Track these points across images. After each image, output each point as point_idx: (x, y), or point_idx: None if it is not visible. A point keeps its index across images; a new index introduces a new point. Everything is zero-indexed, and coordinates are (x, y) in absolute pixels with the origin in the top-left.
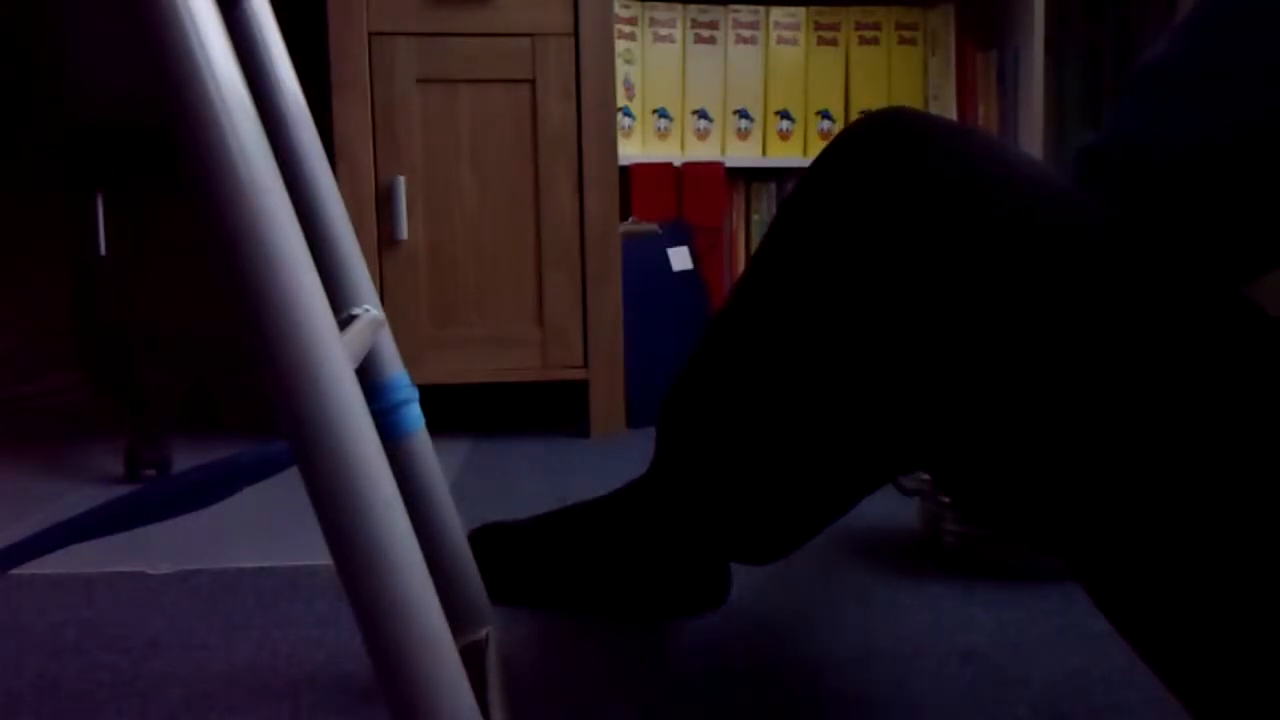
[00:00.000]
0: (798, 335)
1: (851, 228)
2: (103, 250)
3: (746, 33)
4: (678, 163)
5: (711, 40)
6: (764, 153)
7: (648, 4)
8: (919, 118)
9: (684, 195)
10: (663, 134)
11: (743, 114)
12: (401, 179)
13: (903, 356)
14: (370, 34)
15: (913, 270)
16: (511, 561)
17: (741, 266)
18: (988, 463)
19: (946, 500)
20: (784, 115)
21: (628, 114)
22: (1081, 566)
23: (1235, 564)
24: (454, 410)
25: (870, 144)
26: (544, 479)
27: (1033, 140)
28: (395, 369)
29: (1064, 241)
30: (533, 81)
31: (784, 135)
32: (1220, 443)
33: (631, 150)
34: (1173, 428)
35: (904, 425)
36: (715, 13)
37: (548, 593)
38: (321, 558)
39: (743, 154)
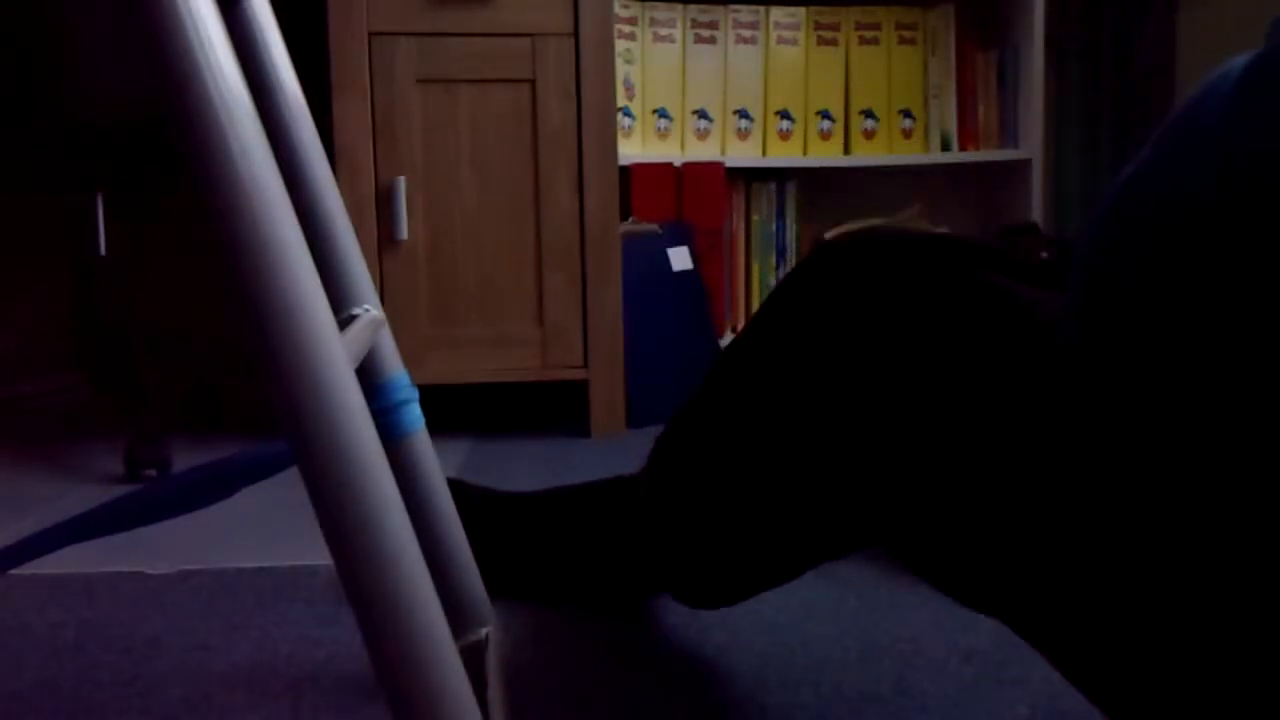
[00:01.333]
0: (771, 426)
1: (825, 338)
2: (103, 250)
3: (746, 33)
4: (678, 163)
5: (711, 40)
6: (764, 153)
7: (648, 4)
8: (888, 250)
9: (684, 195)
10: (663, 134)
11: (743, 114)
12: (401, 179)
13: (859, 453)
14: (370, 34)
15: (873, 382)
16: (493, 541)
17: (741, 266)
18: (933, 540)
19: None
20: (784, 115)
21: (628, 114)
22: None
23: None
24: (454, 410)
25: (844, 268)
26: (544, 479)
27: (1033, 140)
28: (395, 369)
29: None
30: (533, 81)
31: (784, 135)
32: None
33: (631, 150)
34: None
35: (857, 508)
36: (715, 13)
37: (525, 574)
38: (321, 558)
39: (743, 154)
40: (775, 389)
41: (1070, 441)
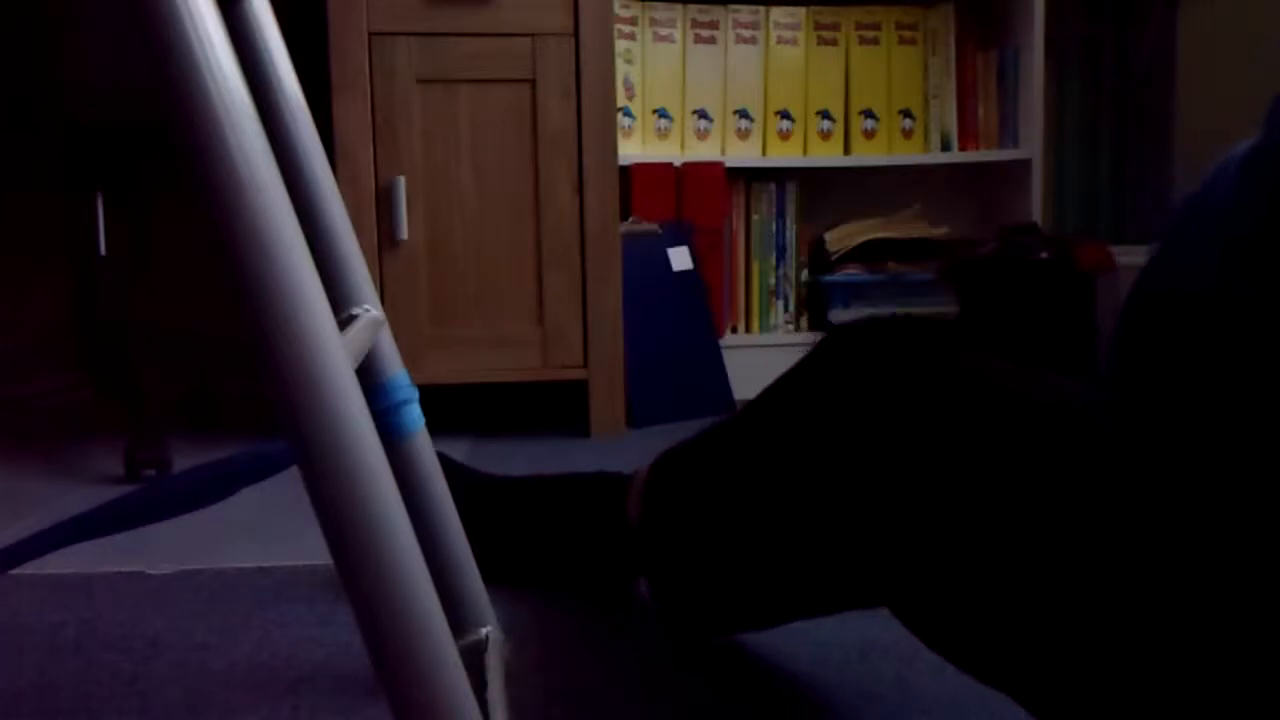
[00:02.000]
0: (776, 505)
1: (842, 424)
2: (103, 250)
3: (746, 33)
4: (678, 163)
5: (711, 40)
6: (764, 153)
7: (648, 4)
8: (901, 339)
9: (684, 195)
10: (663, 134)
11: (743, 114)
12: (401, 179)
13: (868, 530)
14: (370, 34)
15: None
16: (481, 523)
17: (741, 266)
18: (949, 614)
19: None
20: (784, 115)
21: (628, 114)
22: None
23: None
24: (454, 410)
25: (858, 355)
26: None
27: (1033, 140)
28: (395, 369)
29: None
30: (533, 81)
31: (784, 135)
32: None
33: (631, 150)
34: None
35: (861, 578)
36: (715, 13)
37: (510, 558)
38: (321, 558)
39: (743, 154)
40: (786, 465)
41: (1109, 520)
